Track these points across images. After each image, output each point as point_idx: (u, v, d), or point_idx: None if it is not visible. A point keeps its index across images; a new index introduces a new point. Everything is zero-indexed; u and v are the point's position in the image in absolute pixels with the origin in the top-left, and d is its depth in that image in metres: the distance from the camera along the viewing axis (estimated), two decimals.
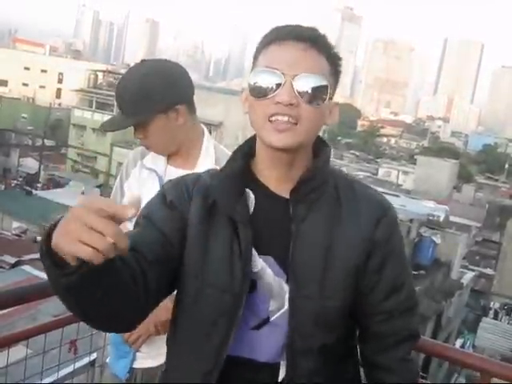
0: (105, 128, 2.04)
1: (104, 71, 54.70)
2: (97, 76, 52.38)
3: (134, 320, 1.25)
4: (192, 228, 1.30)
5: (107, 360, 2.15)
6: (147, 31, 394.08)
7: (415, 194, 37.40)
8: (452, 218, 31.11)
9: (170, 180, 1.42)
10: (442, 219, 27.16)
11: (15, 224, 24.51)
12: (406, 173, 53.22)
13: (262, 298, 1.29)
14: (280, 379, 1.29)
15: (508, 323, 26.51)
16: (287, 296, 1.27)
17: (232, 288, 1.26)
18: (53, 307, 9.15)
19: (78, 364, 2.50)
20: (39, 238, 23.42)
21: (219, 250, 1.28)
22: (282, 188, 1.31)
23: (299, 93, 1.21)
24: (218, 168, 1.41)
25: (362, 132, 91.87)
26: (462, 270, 29.32)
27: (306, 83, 1.21)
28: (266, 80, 1.22)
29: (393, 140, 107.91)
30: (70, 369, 2.47)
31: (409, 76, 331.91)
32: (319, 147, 1.35)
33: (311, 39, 1.25)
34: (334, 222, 1.29)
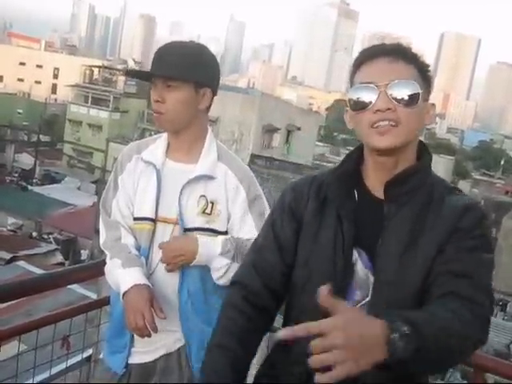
0: (130, 74, 2.03)
1: (100, 66, 54.56)
2: (92, 71, 52.28)
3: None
4: (306, 222, 1.49)
5: (100, 356, 2.14)
6: (143, 26, 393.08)
7: None
8: None
9: (291, 182, 1.61)
10: None
11: (10, 220, 24.42)
12: None
13: (353, 287, 1.42)
14: None
15: (503, 319, 26.63)
16: (371, 286, 1.40)
17: (334, 277, 1.39)
18: (49, 303, 9.14)
19: (73, 360, 2.49)
20: (34, 234, 23.39)
21: (325, 241, 1.45)
22: (381, 189, 1.45)
23: (394, 98, 1.36)
24: (224, 165, 1.75)
25: None
26: None
27: (398, 89, 1.36)
28: (363, 95, 1.38)
29: None
30: (63, 365, 2.47)
31: None
32: (422, 154, 1.49)
33: (397, 52, 1.41)
34: (419, 224, 1.40)
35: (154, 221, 1.97)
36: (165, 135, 2.09)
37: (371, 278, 1.41)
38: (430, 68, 1.46)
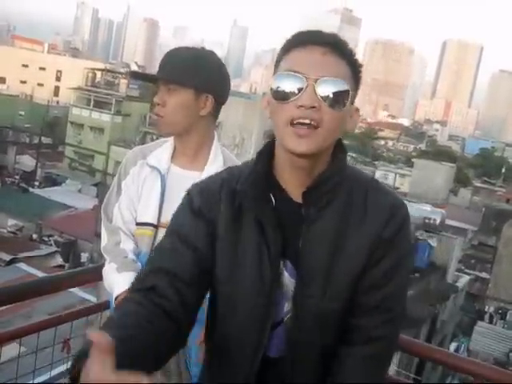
0: (135, 76, 2.08)
1: (102, 70, 54.69)
2: (95, 74, 52.38)
3: (175, 345, 1.28)
4: (221, 231, 1.33)
5: None
6: (146, 30, 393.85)
7: (412, 197, 37.43)
8: (448, 222, 31.14)
9: (196, 184, 1.43)
10: (438, 222, 27.17)
11: (11, 221, 24.44)
12: (403, 176, 53.34)
13: (281, 299, 1.33)
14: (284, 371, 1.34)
15: (503, 327, 26.56)
16: (292, 298, 1.31)
17: (262, 290, 1.30)
18: (48, 305, 9.14)
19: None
20: (35, 236, 23.39)
21: (248, 254, 1.31)
22: (299, 192, 1.31)
23: (321, 97, 1.22)
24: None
25: (359, 134, 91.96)
26: (457, 273, 29.34)
27: (328, 87, 1.22)
28: (289, 84, 1.23)
29: (390, 143, 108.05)
30: (63, 367, 2.47)
31: (407, 79, 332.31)
32: (336, 153, 1.35)
33: (332, 44, 1.26)
34: (342, 226, 1.30)
35: (155, 226, 1.98)
36: (171, 140, 2.08)
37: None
38: (361, 68, 1.32)
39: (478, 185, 61.79)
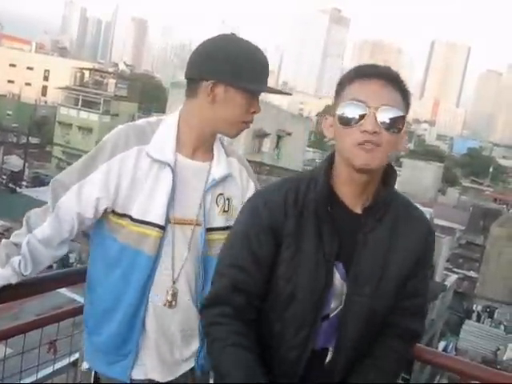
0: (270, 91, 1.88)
1: (91, 69, 54.50)
2: (83, 74, 52.19)
3: None
4: (287, 236, 1.51)
5: (89, 368, 1.96)
6: (135, 29, 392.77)
7: None
8: (436, 221, 31.31)
9: (260, 195, 1.62)
10: None
11: None
12: None
13: (329, 297, 1.52)
14: (326, 361, 1.57)
15: (490, 325, 26.76)
16: (344, 295, 1.52)
17: (316, 290, 1.49)
18: (36, 306, 9.08)
19: (59, 364, 2.47)
20: None
21: (307, 256, 1.50)
22: (355, 203, 1.53)
23: (381, 122, 1.42)
24: (234, 159, 1.93)
25: None
26: (445, 272, 29.53)
27: (386, 114, 1.42)
28: (353, 111, 1.43)
29: None
30: (49, 369, 2.45)
31: None
32: (387, 171, 1.55)
33: (389, 77, 1.47)
34: (393, 237, 1.54)
35: (163, 227, 1.80)
36: (173, 127, 1.87)
37: (346, 289, 1.53)
38: (410, 96, 1.52)
39: (466, 184, 62.26)
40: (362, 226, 1.51)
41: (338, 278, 1.52)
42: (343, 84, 1.49)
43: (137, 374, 1.88)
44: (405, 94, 1.49)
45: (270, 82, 1.87)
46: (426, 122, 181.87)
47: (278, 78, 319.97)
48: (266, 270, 1.52)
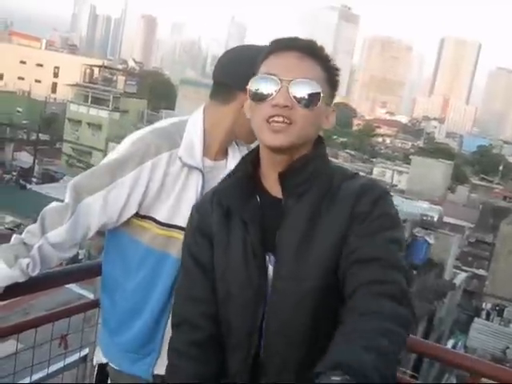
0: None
1: (100, 66, 54.60)
2: (93, 71, 52.30)
3: None
4: (215, 234, 1.46)
5: (116, 367, 1.97)
6: (144, 26, 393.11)
7: (409, 194, 37.49)
8: (446, 219, 31.19)
9: (196, 203, 1.60)
10: (435, 220, 27.22)
11: (8, 218, 24.40)
12: (400, 173, 53.36)
13: (269, 291, 1.40)
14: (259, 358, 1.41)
15: (499, 324, 26.63)
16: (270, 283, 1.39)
17: (251, 285, 1.39)
18: (45, 302, 9.14)
19: (69, 359, 2.49)
20: None
21: (236, 251, 1.42)
22: (279, 187, 1.41)
23: (294, 97, 1.32)
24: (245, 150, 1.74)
25: (357, 131, 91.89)
26: (454, 270, 29.44)
27: (300, 88, 1.33)
28: (265, 86, 1.35)
29: (388, 140, 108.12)
30: (60, 364, 2.47)
31: (405, 76, 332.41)
32: (316, 145, 1.44)
33: (307, 49, 1.37)
34: (316, 213, 1.37)
35: None
36: (199, 133, 1.86)
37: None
38: (338, 73, 1.42)
39: (476, 182, 61.93)
40: (283, 208, 1.39)
41: (271, 270, 1.39)
42: (259, 62, 1.41)
43: (159, 370, 1.89)
44: (329, 70, 1.40)
45: None
46: (435, 119, 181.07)
47: None
48: (210, 274, 1.45)
